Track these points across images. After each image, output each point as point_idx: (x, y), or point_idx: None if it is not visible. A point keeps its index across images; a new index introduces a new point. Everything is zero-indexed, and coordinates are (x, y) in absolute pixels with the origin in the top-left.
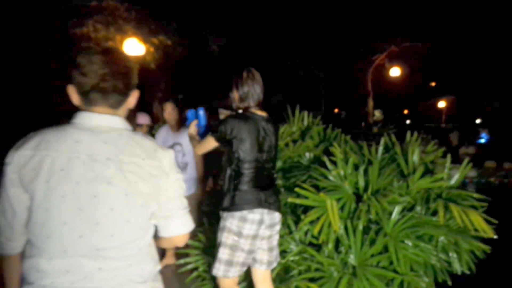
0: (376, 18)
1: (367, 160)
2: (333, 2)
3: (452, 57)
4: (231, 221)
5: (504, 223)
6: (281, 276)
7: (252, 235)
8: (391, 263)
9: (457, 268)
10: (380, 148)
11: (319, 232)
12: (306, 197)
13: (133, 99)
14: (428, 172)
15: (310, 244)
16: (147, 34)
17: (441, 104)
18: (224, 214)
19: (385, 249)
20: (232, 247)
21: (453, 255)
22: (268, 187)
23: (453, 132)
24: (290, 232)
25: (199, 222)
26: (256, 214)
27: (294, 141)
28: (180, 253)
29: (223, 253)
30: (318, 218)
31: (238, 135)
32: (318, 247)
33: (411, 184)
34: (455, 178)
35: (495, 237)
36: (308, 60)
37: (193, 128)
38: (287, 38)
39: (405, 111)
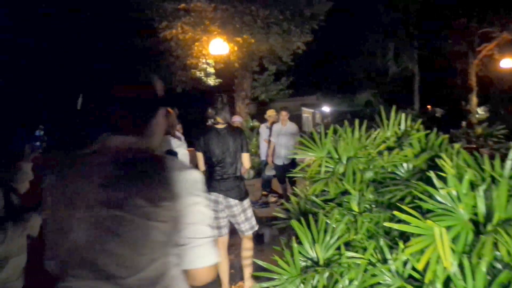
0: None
1: (489, 177)
2: None
3: None
4: None
5: None
6: None
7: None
8: None
9: None
10: (509, 162)
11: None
12: (406, 221)
13: (160, 119)
14: None
15: (410, 277)
16: (231, 33)
17: None
18: None
19: None
20: None
21: None
22: (228, 178)
23: None
24: (385, 260)
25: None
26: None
27: (389, 149)
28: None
29: None
30: (422, 250)
31: (205, 143)
32: (420, 283)
33: None
34: None
35: None
36: (400, 53)
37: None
38: (376, 28)
39: None
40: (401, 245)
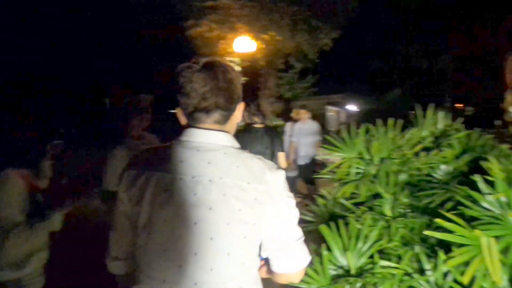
0: None
1: None
2: None
3: None
4: None
5: None
6: None
7: None
8: None
9: None
10: None
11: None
12: (447, 229)
13: (239, 112)
14: None
15: None
16: (258, 30)
17: None
18: None
19: None
20: None
21: None
22: None
23: None
24: (422, 271)
25: None
26: None
27: (426, 150)
28: None
29: None
30: (466, 261)
31: (243, 142)
32: None
33: None
34: None
35: None
36: (432, 46)
37: None
38: (406, 21)
39: None
40: (441, 255)
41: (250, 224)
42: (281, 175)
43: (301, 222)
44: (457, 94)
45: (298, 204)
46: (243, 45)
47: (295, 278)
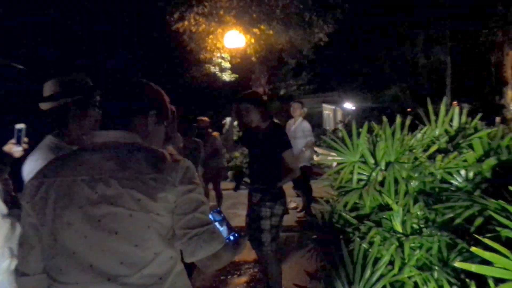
0: None
1: None
2: None
3: None
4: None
5: None
6: None
7: None
8: None
9: None
10: None
11: None
12: (484, 259)
13: (149, 121)
14: None
15: None
16: (248, 24)
17: None
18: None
19: None
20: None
21: None
22: None
23: None
24: None
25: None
26: None
27: (441, 152)
28: None
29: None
30: None
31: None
32: None
33: None
34: None
35: None
36: (431, 42)
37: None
38: (403, 14)
39: None
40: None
41: (153, 214)
42: (181, 163)
43: (299, 238)
44: (457, 90)
45: (294, 209)
46: (233, 40)
47: (207, 267)
